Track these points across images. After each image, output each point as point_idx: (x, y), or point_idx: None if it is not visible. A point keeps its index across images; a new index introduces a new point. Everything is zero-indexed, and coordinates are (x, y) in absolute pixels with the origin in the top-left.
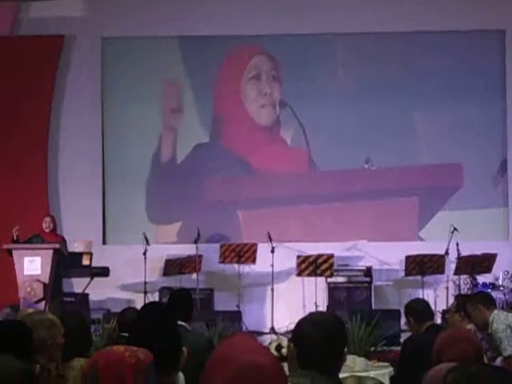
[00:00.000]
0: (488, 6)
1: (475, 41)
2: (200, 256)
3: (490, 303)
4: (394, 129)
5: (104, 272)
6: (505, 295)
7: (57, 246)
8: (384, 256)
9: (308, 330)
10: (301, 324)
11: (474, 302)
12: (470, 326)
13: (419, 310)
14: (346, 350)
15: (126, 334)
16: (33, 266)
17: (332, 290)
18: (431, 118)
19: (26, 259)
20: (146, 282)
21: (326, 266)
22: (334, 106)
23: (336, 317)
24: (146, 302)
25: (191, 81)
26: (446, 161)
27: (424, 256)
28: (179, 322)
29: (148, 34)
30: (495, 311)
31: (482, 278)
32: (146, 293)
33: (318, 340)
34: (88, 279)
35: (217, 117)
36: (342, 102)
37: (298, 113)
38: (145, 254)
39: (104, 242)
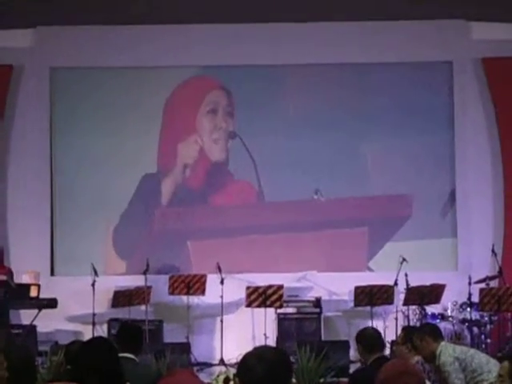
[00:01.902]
0: (434, 38)
1: (423, 72)
2: (149, 287)
3: (437, 335)
4: (344, 160)
5: (52, 303)
6: (454, 326)
7: (3, 277)
8: (333, 287)
9: (252, 363)
10: (245, 358)
11: (421, 334)
12: (417, 358)
13: (368, 339)
14: (294, 381)
15: None
16: None
17: (281, 320)
18: (380, 149)
19: None
20: (94, 314)
21: (275, 296)
22: (284, 137)
23: (281, 350)
24: (95, 333)
25: (140, 111)
26: (395, 192)
27: (373, 287)
28: (127, 355)
29: (97, 64)
30: (442, 343)
31: (431, 309)
32: (94, 324)
33: (262, 374)
34: (36, 311)
35: (168, 147)
36: (291, 134)
37: (249, 144)
38: (93, 285)
39: (52, 274)
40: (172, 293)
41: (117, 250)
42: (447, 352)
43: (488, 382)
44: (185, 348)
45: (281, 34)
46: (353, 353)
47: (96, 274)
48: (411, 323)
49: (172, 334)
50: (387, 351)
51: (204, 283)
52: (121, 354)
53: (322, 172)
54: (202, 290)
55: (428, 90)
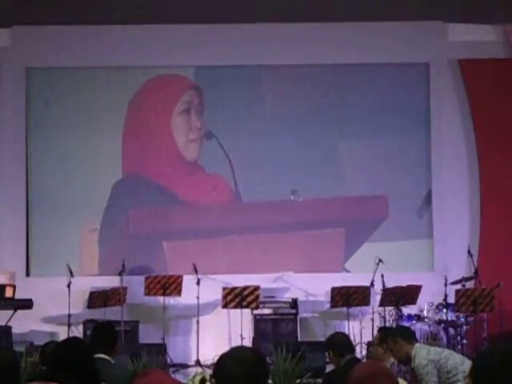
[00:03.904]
0: (411, 39)
1: (400, 73)
2: (125, 288)
3: (411, 337)
4: (321, 160)
5: (27, 304)
6: (430, 327)
7: None
8: (310, 288)
9: (228, 364)
10: (222, 359)
11: (395, 337)
12: (393, 359)
13: (339, 343)
14: (270, 382)
15: None
16: None
17: (258, 322)
18: (357, 150)
19: None
20: (69, 315)
21: (251, 297)
22: (261, 137)
23: (257, 351)
24: (70, 334)
25: (118, 112)
26: (371, 192)
27: (349, 288)
28: (102, 356)
29: (73, 64)
30: (417, 345)
31: (407, 310)
32: (69, 325)
33: (238, 374)
34: (11, 311)
35: (142, 148)
36: (268, 134)
37: (224, 144)
38: (69, 286)
39: (27, 274)
40: (148, 294)
41: (92, 250)
42: (421, 354)
43: (463, 382)
44: (161, 349)
45: (257, 35)
46: None
47: (72, 274)
48: (387, 324)
49: (148, 335)
50: (363, 352)
51: (180, 284)
52: (95, 355)
53: (299, 173)
54: (177, 291)
55: (405, 91)
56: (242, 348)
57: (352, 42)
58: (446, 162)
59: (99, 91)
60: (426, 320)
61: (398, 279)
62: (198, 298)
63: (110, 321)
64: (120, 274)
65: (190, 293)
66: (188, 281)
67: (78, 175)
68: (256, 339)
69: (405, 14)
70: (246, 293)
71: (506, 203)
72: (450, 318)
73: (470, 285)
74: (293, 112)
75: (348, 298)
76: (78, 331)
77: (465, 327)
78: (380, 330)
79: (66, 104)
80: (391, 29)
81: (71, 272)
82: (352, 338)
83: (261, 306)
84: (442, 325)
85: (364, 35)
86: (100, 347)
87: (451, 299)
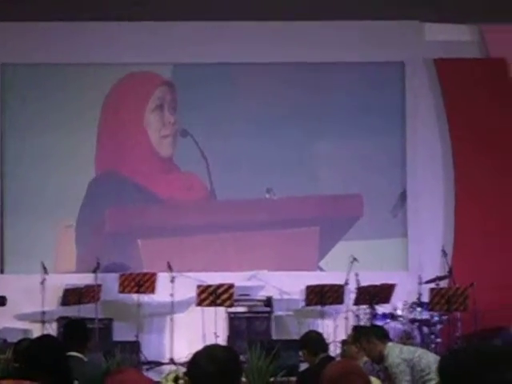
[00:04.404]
0: (388, 38)
1: (376, 73)
2: (99, 285)
3: (384, 336)
4: (296, 159)
5: (1, 301)
6: (403, 325)
7: None
8: (284, 286)
9: (202, 362)
10: (195, 357)
11: (368, 336)
12: (366, 358)
13: (312, 342)
14: (244, 380)
15: None
16: None
17: (232, 320)
18: (332, 149)
19: None
20: (43, 312)
21: (226, 295)
22: (236, 135)
23: (231, 349)
24: (44, 331)
25: (94, 109)
26: (346, 191)
27: (324, 286)
28: (74, 354)
29: (48, 60)
30: (390, 344)
31: (381, 309)
32: (43, 322)
33: (212, 372)
34: None
35: (117, 145)
36: (243, 132)
37: (200, 142)
38: (43, 283)
39: (1, 271)
40: (122, 291)
41: (68, 248)
42: (394, 353)
43: (436, 381)
44: (134, 347)
45: (232, 33)
46: None
47: (46, 271)
48: (362, 323)
49: (122, 333)
50: (337, 351)
51: (154, 282)
52: (68, 353)
53: (275, 171)
54: (152, 289)
55: (381, 90)
56: (215, 346)
57: (328, 41)
58: (420, 161)
59: (76, 88)
60: (400, 319)
61: (372, 278)
62: (172, 295)
63: (82, 318)
64: (94, 272)
65: (165, 290)
66: (163, 279)
67: (54, 173)
68: (230, 337)
69: (381, 13)
70: (220, 291)
71: (480, 203)
72: (423, 317)
73: (444, 284)
74: (268, 111)
75: (322, 296)
76: (51, 328)
77: (439, 326)
78: (354, 328)
79: (42, 101)
80: (367, 28)
81: (45, 269)
82: (326, 336)
83: (235, 304)
84: (416, 324)
85: (340, 34)
86: (72, 345)
87: (425, 298)
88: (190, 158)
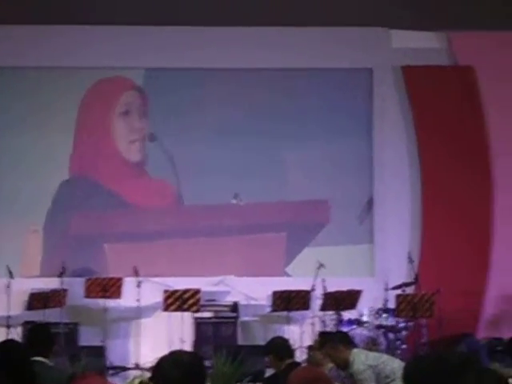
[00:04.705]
0: (356, 44)
1: (343, 79)
2: (65, 290)
3: (349, 343)
4: (263, 164)
5: None
6: (369, 332)
7: None
8: (251, 291)
9: (167, 367)
10: (161, 362)
11: (333, 342)
12: (332, 364)
13: (278, 348)
14: None
15: None
16: None
17: (198, 325)
18: (299, 155)
19: None
20: (8, 316)
21: (192, 301)
22: (204, 140)
23: (196, 354)
24: (9, 336)
25: (69, 113)
26: (313, 197)
27: (290, 292)
28: (39, 359)
29: (25, 64)
30: (355, 350)
31: (348, 315)
32: (8, 327)
33: (176, 377)
34: None
35: (88, 150)
36: (211, 137)
37: (169, 147)
38: (8, 287)
39: None
40: (88, 296)
41: (34, 252)
42: (360, 360)
43: None
44: (100, 351)
45: (204, 38)
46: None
47: (11, 276)
48: (328, 329)
49: (87, 338)
50: (304, 356)
51: (120, 286)
52: (32, 358)
53: (242, 176)
54: (117, 294)
55: (348, 96)
56: (180, 351)
57: (298, 47)
58: (388, 167)
59: (52, 92)
60: (366, 325)
61: (339, 284)
62: (138, 300)
63: (47, 323)
64: (60, 276)
65: (131, 295)
66: (129, 283)
67: (27, 177)
68: (196, 342)
69: (350, 19)
70: (186, 296)
71: (447, 210)
72: (389, 323)
73: (410, 290)
74: (237, 116)
75: (289, 302)
76: (16, 333)
77: (404, 332)
78: (320, 334)
79: (22, 104)
80: (336, 34)
81: (11, 273)
82: (292, 342)
83: (202, 309)
84: (382, 330)
85: (309, 40)
86: (36, 349)
87: (392, 304)
88: (159, 164)
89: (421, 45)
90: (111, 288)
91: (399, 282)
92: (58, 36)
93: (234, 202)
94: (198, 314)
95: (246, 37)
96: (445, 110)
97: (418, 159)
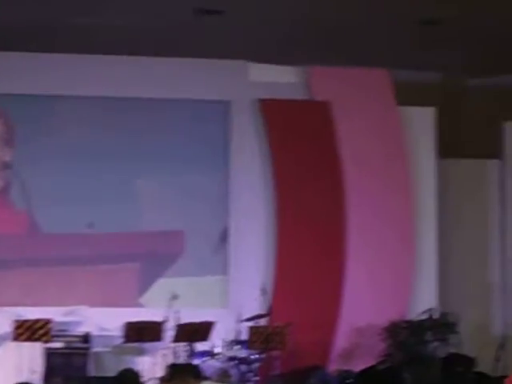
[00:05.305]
0: (214, 76)
1: (202, 110)
2: None
3: (198, 375)
4: (117, 194)
5: None
6: (222, 363)
7: None
8: (104, 322)
9: None
10: None
11: (182, 375)
12: None
13: (127, 380)
14: None
15: None
16: None
17: (49, 355)
18: (154, 185)
19: None
20: None
21: (43, 331)
22: (59, 169)
23: None
24: None
25: None
26: (167, 227)
27: (143, 323)
28: None
29: None
30: (205, 382)
31: (201, 346)
32: None
33: None
34: None
35: None
36: (68, 167)
37: (24, 176)
38: None
39: None
40: None
41: None
42: None
43: None
44: None
45: (59, 65)
46: None
47: None
48: (180, 360)
49: None
50: None
51: None
52: None
53: (97, 205)
54: None
55: (206, 129)
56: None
57: (155, 77)
58: (243, 199)
59: None
60: (219, 357)
61: (192, 315)
62: None
63: None
64: None
65: None
66: None
67: None
68: (47, 373)
69: (210, 51)
70: (37, 326)
71: (302, 243)
72: (242, 355)
73: (263, 322)
74: (93, 145)
75: (141, 333)
76: None
77: (257, 364)
78: (169, 366)
79: None
80: (195, 66)
81: None
82: (144, 373)
83: (53, 339)
84: (235, 361)
85: (167, 71)
86: None
87: (244, 336)
88: (13, 191)
89: (279, 79)
90: None
91: (253, 314)
92: None
93: (88, 231)
94: (49, 345)
95: (108, 65)
96: (300, 142)
97: (274, 192)
